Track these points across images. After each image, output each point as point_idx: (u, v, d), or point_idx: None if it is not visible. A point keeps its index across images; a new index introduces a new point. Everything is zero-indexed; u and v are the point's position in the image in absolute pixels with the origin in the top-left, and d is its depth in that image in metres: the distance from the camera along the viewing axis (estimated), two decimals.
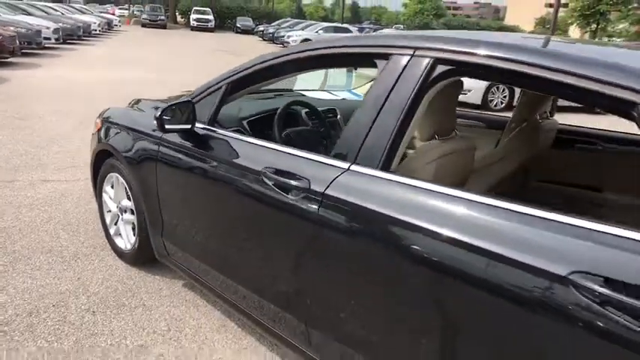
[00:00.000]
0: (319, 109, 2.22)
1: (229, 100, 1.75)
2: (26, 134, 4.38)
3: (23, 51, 9.55)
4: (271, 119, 1.93)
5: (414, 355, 1.13)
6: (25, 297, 1.97)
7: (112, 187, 2.29)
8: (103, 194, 2.36)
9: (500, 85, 7.50)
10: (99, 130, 2.29)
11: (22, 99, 5.89)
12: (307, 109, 2.16)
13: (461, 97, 8.71)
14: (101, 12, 28.29)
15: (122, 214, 2.26)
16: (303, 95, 2.45)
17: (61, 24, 12.93)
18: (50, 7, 16.90)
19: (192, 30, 28.20)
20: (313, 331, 1.36)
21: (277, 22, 28.89)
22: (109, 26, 21.84)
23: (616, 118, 0.99)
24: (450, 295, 1.03)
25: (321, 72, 2.90)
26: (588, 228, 0.87)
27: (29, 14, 12.84)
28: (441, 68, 1.17)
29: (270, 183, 1.38)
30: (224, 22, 31.96)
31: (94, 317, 1.88)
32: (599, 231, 0.86)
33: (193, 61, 12.17)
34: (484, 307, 0.97)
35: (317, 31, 21.31)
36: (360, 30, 28.64)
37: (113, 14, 30.10)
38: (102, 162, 2.29)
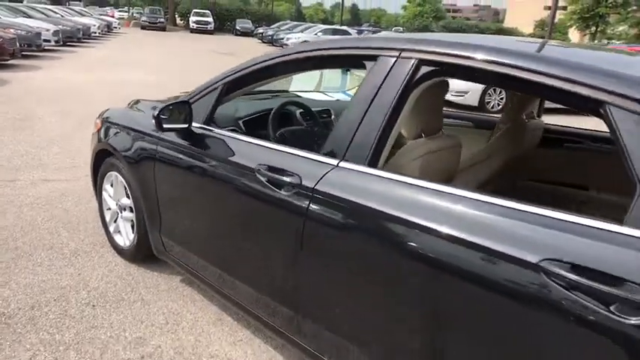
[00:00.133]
0: (314, 109, 2.28)
1: (225, 101, 1.81)
2: (27, 135, 4.44)
3: (23, 53, 9.61)
4: (266, 119, 1.99)
5: (402, 340, 1.18)
6: (27, 291, 2.03)
7: (112, 185, 2.34)
8: (103, 192, 2.42)
9: (497, 88, 7.57)
10: (99, 130, 2.34)
11: (23, 101, 5.95)
12: (302, 110, 2.22)
13: (458, 99, 8.76)
14: (101, 14, 28.35)
15: (121, 212, 2.32)
16: (298, 96, 2.51)
17: (60, 26, 12.99)
18: (50, 10, 16.98)
19: (191, 32, 28.29)
20: (305, 322, 1.42)
21: (276, 24, 29.01)
22: (108, 29, 21.92)
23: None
24: (434, 284, 1.08)
25: (316, 74, 2.96)
26: (558, 218, 0.93)
27: (29, 17, 12.89)
28: (425, 69, 1.23)
29: (263, 179, 1.44)
30: (223, 24, 32.05)
31: (94, 311, 1.94)
32: (568, 221, 0.92)
33: (193, 62, 12.24)
34: (463, 293, 1.03)
35: (316, 34, 21.40)
36: (359, 32, 28.73)
37: (112, 17, 30.19)
38: (102, 161, 2.35)
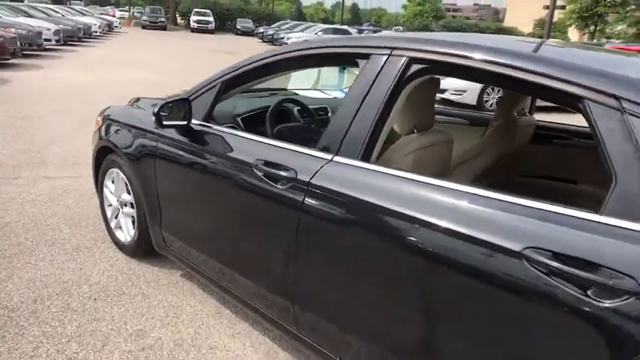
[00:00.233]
0: (311, 107, 2.32)
1: (224, 98, 1.85)
2: (28, 134, 4.48)
3: (24, 52, 9.66)
4: (264, 116, 2.03)
5: (395, 329, 1.22)
6: (30, 286, 2.07)
7: (113, 182, 2.38)
8: (104, 189, 2.46)
9: (494, 86, 7.61)
10: (100, 128, 2.38)
11: (24, 100, 6.00)
12: (299, 107, 2.26)
13: (457, 98, 8.80)
14: (102, 14, 28.40)
15: (122, 208, 2.36)
16: (296, 94, 2.55)
17: (61, 26, 13.04)
18: (51, 9, 17.02)
19: (192, 32, 28.33)
20: (301, 313, 1.46)
21: (277, 23, 29.04)
22: (109, 28, 21.97)
23: None
24: (425, 273, 1.12)
25: (314, 72, 3.00)
26: (540, 208, 0.97)
27: (30, 16, 12.93)
28: (415, 67, 1.27)
29: (260, 174, 1.48)
30: (224, 23, 32.09)
31: (95, 304, 1.98)
32: (549, 211, 0.96)
33: (193, 62, 12.28)
34: (452, 281, 1.07)
35: (316, 33, 21.43)
36: (360, 32, 28.80)
37: (113, 16, 30.24)
38: (103, 158, 2.39)
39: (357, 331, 1.32)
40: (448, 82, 8.06)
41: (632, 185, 0.90)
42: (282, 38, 21.40)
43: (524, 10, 56.32)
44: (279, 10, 52.78)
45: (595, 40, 28.42)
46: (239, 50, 17.07)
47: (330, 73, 2.97)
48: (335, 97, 2.82)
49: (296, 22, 29.56)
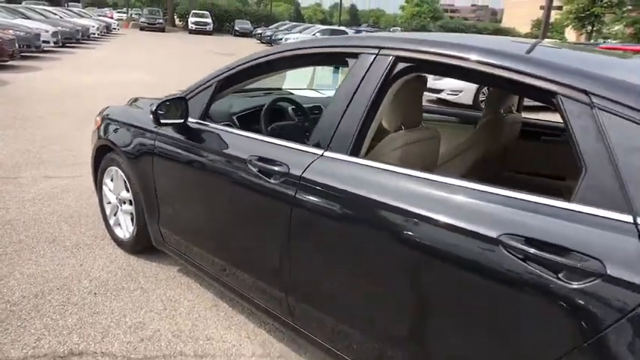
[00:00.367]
0: (305, 106, 2.38)
1: (219, 97, 1.90)
2: (28, 134, 4.53)
3: (22, 54, 9.69)
4: (259, 114, 2.09)
5: (385, 315, 1.28)
6: (31, 281, 2.12)
7: (112, 180, 2.44)
8: (103, 187, 2.51)
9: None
10: (98, 128, 2.44)
11: (23, 101, 6.04)
12: (293, 106, 2.32)
13: (453, 98, 8.85)
14: (99, 15, 28.43)
15: (121, 205, 2.42)
16: (291, 93, 2.61)
17: (59, 27, 13.07)
18: (49, 11, 17.05)
19: (190, 33, 28.38)
20: (295, 303, 1.52)
21: (275, 24, 29.09)
22: (107, 30, 22.01)
23: None
24: (411, 260, 1.17)
25: (309, 72, 3.06)
26: (515, 197, 1.03)
27: (28, 18, 12.97)
28: (401, 65, 1.33)
29: (254, 169, 1.53)
30: (222, 25, 32.14)
31: (95, 298, 2.03)
32: (523, 199, 1.02)
33: (191, 63, 12.33)
34: (435, 268, 1.12)
35: (314, 34, 21.49)
36: (357, 32, 28.89)
37: (111, 18, 30.27)
38: (102, 157, 2.44)
39: (349, 320, 1.38)
40: (444, 83, 8.13)
41: (600, 175, 0.96)
42: (281, 39, 21.44)
43: (521, 11, 56.52)
44: (278, 12, 52.90)
45: (592, 40, 28.56)
46: (237, 51, 17.12)
47: (324, 73, 3.03)
48: (329, 97, 2.88)
49: (294, 23, 29.64)
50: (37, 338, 1.75)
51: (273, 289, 1.59)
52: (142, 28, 27.88)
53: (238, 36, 29.81)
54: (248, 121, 2.12)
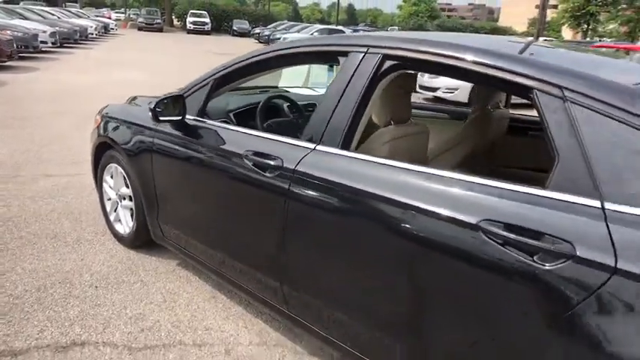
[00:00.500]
0: (300, 103, 2.44)
1: (216, 95, 1.96)
2: (27, 134, 4.58)
3: (20, 55, 9.72)
4: (255, 111, 2.15)
5: (376, 302, 1.34)
6: (33, 275, 2.17)
7: (112, 176, 2.49)
8: (104, 184, 2.57)
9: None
10: (98, 126, 2.49)
11: (22, 101, 6.09)
12: (288, 103, 2.38)
13: (449, 96, 8.92)
14: (97, 16, 28.41)
15: (121, 201, 2.47)
16: (287, 91, 2.67)
17: (57, 28, 13.10)
18: (46, 11, 17.05)
19: (188, 33, 28.39)
20: (290, 292, 1.58)
21: (273, 24, 29.12)
22: (105, 30, 22.01)
23: None
24: (400, 248, 1.23)
25: (304, 70, 3.13)
26: (493, 186, 1.10)
27: (26, 18, 12.98)
28: (388, 63, 1.39)
29: (250, 164, 1.59)
30: (220, 24, 32.16)
31: (96, 291, 2.09)
32: (501, 188, 1.09)
33: (190, 63, 12.37)
34: (422, 253, 1.18)
35: (312, 33, 21.55)
36: (355, 32, 28.94)
37: (109, 18, 30.25)
38: (102, 154, 2.50)
39: (342, 307, 1.44)
40: (440, 81, 8.20)
41: (572, 163, 1.02)
42: (279, 39, 21.49)
43: (518, 10, 56.70)
44: (276, 11, 52.88)
45: (588, 39, 28.70)
46: (235, 51, 17.13)
47: (319, 71, 3.09)
48: (323, 94, 2.93)
49: (292, 23, 29.67)
50: (40, 330, 1.81)
51: (269, 279, 1.65)
52: (140, 29, 27.86)
53: (236, 36, 29.83)
54: (244, 118, 2.18)
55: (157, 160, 2.05)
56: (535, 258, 1.00)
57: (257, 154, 1.58)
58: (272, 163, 1.52)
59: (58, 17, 16.97)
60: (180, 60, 13.14)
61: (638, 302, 0.90)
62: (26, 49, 10.29)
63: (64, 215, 2.84)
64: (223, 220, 1.84)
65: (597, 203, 0.97)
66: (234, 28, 30.60)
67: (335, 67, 3.26)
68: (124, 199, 2.44)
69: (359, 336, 1.42)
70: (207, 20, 29.29)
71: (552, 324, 0.98)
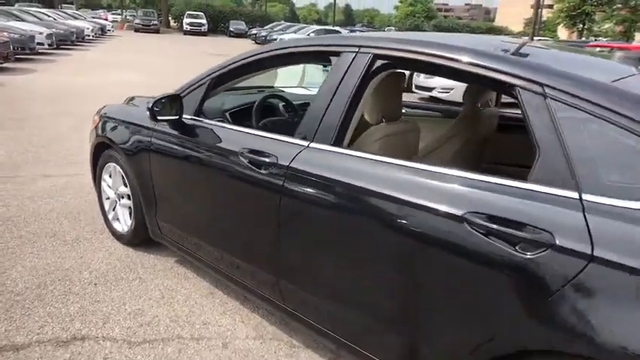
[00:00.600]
0: (296, 102, 2.49)
1: (212, 94, 2.01)
2: (25, 134, 4.61)
3: (17, 56, 9.73)
4: (251, 111, 2.19)
5: (368, 294, 1.38)
6: (34, 273, 2.21)
7: (110, 176, 2.53)
8: (102, 183, 2.60)
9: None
10: (97, 126, 2.53)
11: (19, 102, 6.11)
12: (284, 103, 2.43)
13: (445, 96, 8.96)
14: (93, 17, 28.39)
15: (119, 200, 2.51)
16: (282, 91, 2.72)
17: (54, 29, 13.10)
18: (42, 13, 17.03)
19: (185, 34, 28.41)
20: (286, 286, 1.62)
21: (270, 25, 29.15)
22: (102, 31, 22.01)
23: None
24: (390, 240, 1.27)
25: (299, 71, 3.17)
26: (478, 179, 1.15)
27: (21, 20, 12.99)
28: (379, 62, 1.44)
29: (245, 161, 1.64)
30: (217, 25, 32.18)
31: (95, 288, 2.13)
32: (485, 181, 1.14)
33: (186, 64, 12.40)
34: (412, 245, 1.23)
35: (308, 34, 21.60)
36: (351, 32, 28.99)
37: (106, 19, 30.23)
38: (100, 154, 2.53)
39: (337, 299, 1.48)
40: (436, 81, 8.25)
41: (552, 157, 1.07)
42: (276, 40, 21.55)
43: (514, 10, 56.95)
44: (273, 12, 52.97)
45: (583, 38, 28.89)
46: (232, 52, 17.07)
47: (314, 71, 3.14)
48: None
49: (289, 24, 29.70)
50: (41, 325, 1.84)
51: (265, 274, 1.69)
52: (136, 30, 27.87)
53: (233, 37, 29.83)
54: (240, 117, 2.22)
55: (155, 159, 2.09)
56: (517, 247, 1.05)
57: (252, 151, 1.63)
58: (267, 160, 1.57)
59: (54, 19, 16.95)
60: (176, 61, 13.16)
61: (613, 288, 0.95)
62: (23, 50, 10.30)
63: (62, 215, 2.87)
64: (220, 217, 1.88)
65: (575, 195, 1.02)
66: (231, 29, 30.60)
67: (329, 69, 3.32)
68: (123, 197, 2.48)
69: (352, 327, 1.46)
70: (204, 21, 29.32)
71: (533, 310, 1.03)
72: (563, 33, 37.79)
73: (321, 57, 1.66)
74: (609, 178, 1.01)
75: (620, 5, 29.56)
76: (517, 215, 1.06)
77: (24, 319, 1.87)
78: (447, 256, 1.16)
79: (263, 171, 1.57)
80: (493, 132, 2.23)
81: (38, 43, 11.20)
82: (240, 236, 1.78)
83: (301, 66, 3.07)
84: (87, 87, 7.62)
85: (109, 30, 24.42)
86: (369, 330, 1.42)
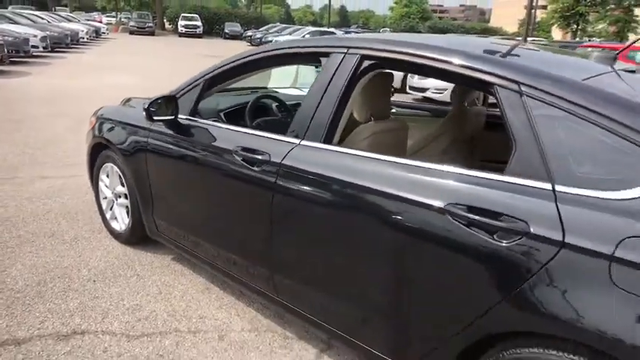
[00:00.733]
0: (289, 103, 2.55)
1: (207, 95, 2.07)
2: (22, 136, 4.64)
3: (12, 59, 9.74)
4: (245, 111, 2.25)
5: (358, 285, 1.44)
6: (33, 271, 2.26)
7: (107, 176, 2.58)
8: (100, 183, 2.65)
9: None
10: (93, 127, 2.58)
11: (15, 104, 6.13)
12: (277, 103, 2.49)
13: (438, 97, 9.04)
14: (87, 20, 28.31)
15: (117, 200, 2.56)
16: (275, 92, 2.78)
17: (48, 32, 13.09)
18: (36, 16, 17.00)
19: (180, 36, 28.43)
20: (280, 280, 1.68)
21: (265, 27, 29.20)
22: (96, 34, 21.97)
23: None
24: (379, 232, 1.33)
25: (292, 72, 3.24)
26: (458, 173, 1.21)
27: (15, 23, 12.97)
28: (366, 62, 1.51)
29: (239, 159, 1.70)
30: (212, 27, 32.19)
31: (94, 285, 2.18)
32: (465, 174, 1.20)
33: (182, 66, 12.43)
34: (397, 236, 1.29)
35: (304, 36, 21.71)
36: (346, 33, 29.10)
37: (100, 22, 30.16)
38: (97, 154, 2.58)
39: (328, 291, 1.54)
40: (430, 82, 8.33)
41: (527, 151, 1.14)
42: (271, 41, 21.59)
43: (509, 11, 57.29)
44: (268, 14, 53.00)
45: (577, 39, 29.13)
46: (227, 54, 17.13)
47: (307, 72, 3.20)
48: None
49: (284, 26, 29.75)
50: (42, 320, 1.89)
51: (260, 269, 1.75)
52: (131, 32, 27.82)
53: (228, 39, 29.84)
54: (234, 117, 2.28)
55: (151, 159, 2.14)
56: (495, 236, 1.11)
57: (246, 149, 1.69)
58: (260, 157, 1.63)
59: (48, 21, 16.91)
60: (172, 63, 13.19)
61: (583, 272, 1.01)
62: (17, 53, 10.31)
63: (60, 215, 2.92)
64: (216, 214, 1.94)
65: (549, 186, 1.09)
66: (226, 30, 30.61)
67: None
68: (120, 197, 2.53)
69: (343, 317, 1.52)
70: (199, 23, 29.34)
71: (510, 294, 1.09)
72: (557, 34, 38.09)
73: (312, 58, 1.72)
74: (580, 170, 1.08)
75: (613, 6, 29.85)
76: (495, 206, 1.13)
77: (25, 315, 1.92)
78: (432, 247, 1.23)
79: (256, 168, 1.63)
80: (480, 130, 2.30)
81: (33, 46, 11.19)
82: (236, 232, 1.84)
83: (294, 67, 3.13)
84: (82, 89, 7.64)
85: (104, 32, 24.39)
86: (359, 320, 1.48)
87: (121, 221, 2.56)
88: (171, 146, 2.02)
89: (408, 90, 8.92)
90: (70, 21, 20.61)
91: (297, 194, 1.53)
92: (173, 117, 1.99)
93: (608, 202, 1.02)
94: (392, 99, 2.80)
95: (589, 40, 22.48)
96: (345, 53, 1.55)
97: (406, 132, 1.85)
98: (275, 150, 1.61)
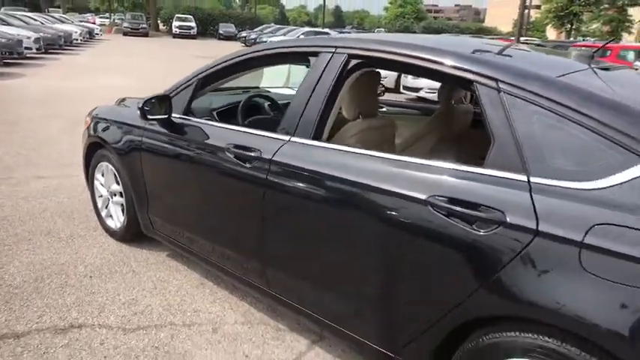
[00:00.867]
0: (280, 102, 2.60)
1: (200, 94, 2.12)
2: (17, 137, 4.66)
3: (5, 61, 9.72)
4: (237, 110, 2.30)
5: (348, 278, 1.50)
6: (30, 268, 2.30)
7: (103, 174, 2.62)
8: (95, 182, 2.69)
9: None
10: (89, 127, 2.62)
11: (10, 106, 6.14)
12: (269, 102, 2.55)
13: (431, 96, 9.08)
14: (81, 21, 28.18)
15: (112, 198, 2.60)
16: (268, 91, 2.84)
17: (41, 34, 13.04)
18: (29, 17, 16.93)
19: (174, 37, 28.38)
20: (272, 273, 1.73)
21: (260, 27, 29.22)
22: (90, 35, 21.89)
23: None
24: (366, 224, 1.39)
25: (284, 71, 3.29)
26: (439, 166, 1.27)
27: (8, 24, 12.91)
28: (353, 61, 1.57)
29: (231, 156, 1.75)
30: (206, 28, 32.14)
31: (91, 281, 2.22)
32: (446, 167, 1.26)
33: (175, 67, 12.43)
34: (383, 226, 1.35)
35: (298, 36, 21.76)
36: (340, 34, 29.13)
37: (94, 23, 30.04)
38: (93, 154, 2.62)
39: (318, 283, 1.60)
40: (423, 82, 8.41)
41: (504, 145, 1.20)
42: (265, 42, 21.60)
43: (503, 11, 57.62)
44: (262, 14, 52.96)
45: (571, 38, 29.37)
46: (221, 55, 17.19)
47: (299, 72, 3.26)
48: None
49: (278, 26, 29.74)
50: (40, 315, 1.94)
51: (253, 263, 1.80)
52: (125, 34, 27.73)
53: (222, 39, 29.80)
54: (227, 116, 2.33)
55: (146, 157, 2.19)
56: (473, 226, 1.17)
57: (238, 147, 1.74)
58: (252, 154, 1.68)
59: (42, 23, 16.85)
60: (166, 64, 13.19)
61: (556, 258, 1.07)
62: (11, 55, 10.27)
63: (56, 214, 2.95)
64: (210, 210, 1.99)
65: (524, 177, 1.15)
66: (221, 31, 30.56)
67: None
68: (115, 195, 2.57)
69: (333, 308, 1.58)
70: (193, 24, 29.29)
71: (488, 281, 1.15)
72: (551, 33, 38.38)
73: (302, 57, 1.78)
74: (554, 162, 1.14)
75: (607, 5, 30.11)
76: (473, 197, 1.19)
77: (23, 310, 1.96)
78: (415, 237, 1.28)
79: (248, 165, 1.69)
80: (467, 128, 2.37)
81: (26, 48, 11.14)
82: (229, 227, 1.89)
83: (287, 67, 3.19)
84: (76, 91, 7.65)
85: (98, 34, 24.28)
86: (347, 309, 1.54)
87: (117, 219, 2.61)
88: (165, 145, 2.07)
89: (402, 90, 9.00)
90: (63, 22, 20.52)
91: (288, 189, 1.58)
92: (167, 116, 2.04)
93: (579, 192, 1.08)
94: (383, 98, 2.87)
95: (583, 40, 22.69)
96: (333, 53, 1.61)
97: (393, 129, 1.91)
98: (266, 147, 1.66)
